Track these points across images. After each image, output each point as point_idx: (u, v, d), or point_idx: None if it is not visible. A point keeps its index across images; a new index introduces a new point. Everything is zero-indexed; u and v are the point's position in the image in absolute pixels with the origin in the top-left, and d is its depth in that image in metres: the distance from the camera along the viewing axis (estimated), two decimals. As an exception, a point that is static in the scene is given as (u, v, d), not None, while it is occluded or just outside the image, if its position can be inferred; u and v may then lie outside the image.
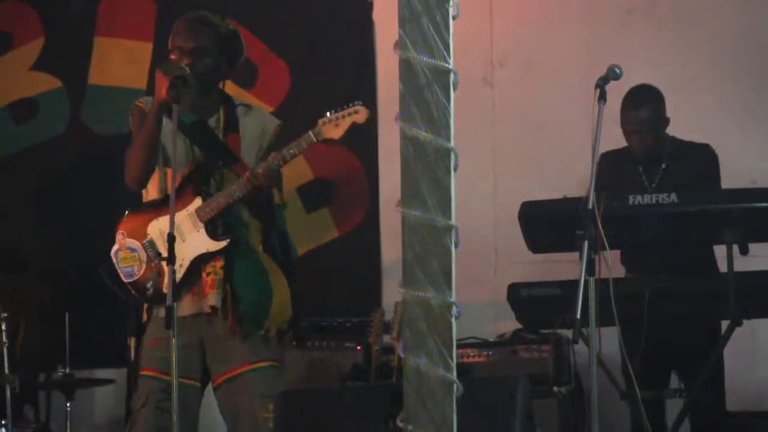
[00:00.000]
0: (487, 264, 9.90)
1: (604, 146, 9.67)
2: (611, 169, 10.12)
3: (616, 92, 9.84)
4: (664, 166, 10.41)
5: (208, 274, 9.20)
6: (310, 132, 9.03)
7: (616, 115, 10.29)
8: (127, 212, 9.34)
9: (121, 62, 12.13)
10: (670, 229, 9.95)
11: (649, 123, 10.41)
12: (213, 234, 9.17)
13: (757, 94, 11.44)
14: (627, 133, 10.34)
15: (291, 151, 9.04)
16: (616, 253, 10.01)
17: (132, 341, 9.92)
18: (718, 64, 11.55)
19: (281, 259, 9.50)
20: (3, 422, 9.96)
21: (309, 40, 12.03)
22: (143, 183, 9.28)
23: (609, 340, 9.20)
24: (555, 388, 9.61)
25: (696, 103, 11.21)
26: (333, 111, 9.07)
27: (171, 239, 8.64)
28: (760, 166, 10.77)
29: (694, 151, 10.47)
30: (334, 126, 9.13)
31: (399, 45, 5.78)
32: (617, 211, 9.34)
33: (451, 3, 5.95)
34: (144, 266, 9.14)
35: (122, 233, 9.32)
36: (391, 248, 10.97)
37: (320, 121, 9.14)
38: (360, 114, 9.04)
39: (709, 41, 11.79)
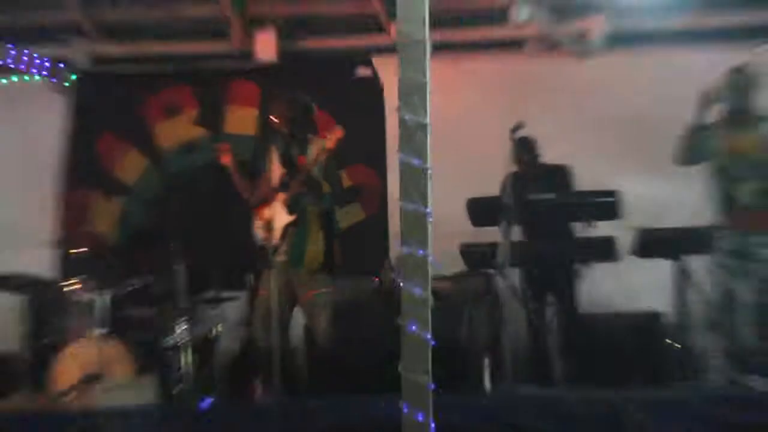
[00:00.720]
0: (448, 232, 8.97)
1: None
2: (515, 182, 10.51)
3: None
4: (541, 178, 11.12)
5: (289, 236, 10.06)
6: (322, 144, 9.98)
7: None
8: (258, 206, 10.21)
9: (239, 119, 12.82)
10: (549, 213, 10.71)
11: (529, 156, 11.38)
12: (290, 212, 10.10)
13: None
14: (517, 161, 11.13)
15: (312, 157, 10.01)
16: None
17: (252, 278, 10.58)
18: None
19: (328, 227, 10.27)
20: (180, 323, 10.53)
21: (348, 104, 12.40)
22: (248, 191, 10.25)
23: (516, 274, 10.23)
24: (485, 302, 10.29)
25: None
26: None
27: (271, 224, 9.92)
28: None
29: (559, 169, 11.26)
30: (329, 141, 9.94)
31: (399, 108, 7.60)
32: (522, 200, 10.14)
33: (427, 91, 7.74)
34: (264, 233, 10.09)
35: (256, 216, 10.24)
36: (394, 225, 10.96)
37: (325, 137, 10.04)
38: (337, 130, 9.92)
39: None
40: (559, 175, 11.23)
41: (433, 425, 7.39)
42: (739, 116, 9.75)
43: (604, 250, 10.66)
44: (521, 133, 10.41)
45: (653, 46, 12.59)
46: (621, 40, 12.73)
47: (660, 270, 10.69)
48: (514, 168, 10.66)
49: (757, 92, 9.78)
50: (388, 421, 7.60)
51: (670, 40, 12.54)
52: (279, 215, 10.07)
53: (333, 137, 9.92)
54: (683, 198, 10.45)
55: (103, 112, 13.15)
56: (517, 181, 10.49)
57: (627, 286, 11.42)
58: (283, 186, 10.15)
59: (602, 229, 10.72)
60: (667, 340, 10.42)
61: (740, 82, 9.76)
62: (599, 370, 9.79)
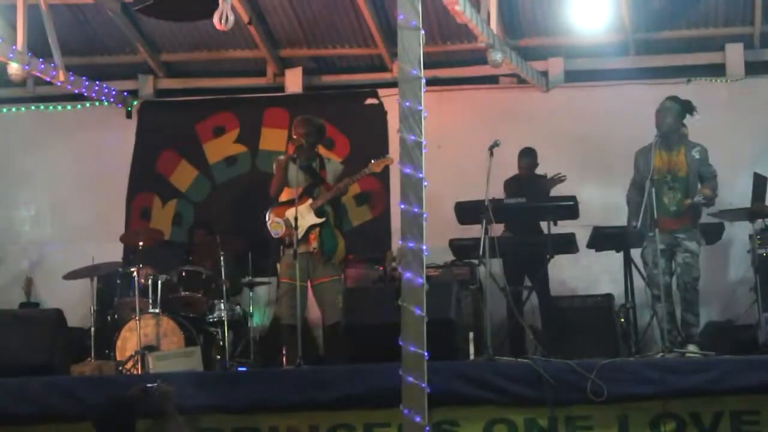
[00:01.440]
0: (440, 229, 9.51)
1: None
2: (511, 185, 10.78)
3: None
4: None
5: (312, 233, 9.86)
6: (366, 168, 9.93)
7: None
8: (272, 207, 10.03)
9: (272, 138, 12.55)
10: (520, 214, 10.49)
11: (529, 165, 11.18)
12: (317, 215, 9.88)
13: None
14: (519, 169, 11.09)
15: (355, 177, 10.03)
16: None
17: (278, 265, 10.20)
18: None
19: (341, 229, 10.20)
20: (221, 303, 10.49)
21: (358, 127, 12.43)
22: (278, 195, 10.02)
23: (496, 263, 9.81)
24: (470, 286, 10.08)
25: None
26: (375, 159, 9.94)
27: (296, 220, 9.53)
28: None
29: (542, 178, 11.12)
30: (377, 165, 9.90)
31: (399, 129, 7.36)
32: (498, 204, 9.77)
33: (423, 114, 7.46)
34: (284, 230, 9.85)
35: (272, 215, 9.99)
36: (395, 223, 11.01)
37: (371, 163, 9.93)
38: (389, 159, 9.88)
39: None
40: (542, 183, 11.14)
41: (427, 388, 7.24)
42: (671, 138, 9.50)
43: (566, 243, 10.46)
44: (524, 147, 10.86)
45: (601, 81, 12.33)
46: (575, 76, 12.49)
47: (611, 260, 10.55)
48: (509, 174, 10.75)
49: (683, 118, 9.61)
50: (391, 386, 7.48)
51: (615, 76, 12.29)
52: (304, 216, 9.72)
53: (381, 163, 9.93)
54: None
55: (163, 133, 12.91)
56: (514, 185, 10.74)
57: (585, 272, 11.30)
58: (306, 192, 9.87)
59: (563, 227, 10.51)
60: (619, 317, 10.16)
61: (672, 110, 9.50)
62: (564, 343, 9.56)
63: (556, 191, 10.88)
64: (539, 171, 11.22)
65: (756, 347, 9.61)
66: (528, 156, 11.10)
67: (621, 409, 8.20)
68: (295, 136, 9.98)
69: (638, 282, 10.05)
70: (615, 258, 10.40)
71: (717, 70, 12.12)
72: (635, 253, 10.02)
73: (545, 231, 10.39)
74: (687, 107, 9.58)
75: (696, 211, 9.50)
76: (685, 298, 9.39)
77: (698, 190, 9.40)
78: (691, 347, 9.14)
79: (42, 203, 12.60)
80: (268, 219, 10.03)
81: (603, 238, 10.34)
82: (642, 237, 9.52)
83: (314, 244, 9.86)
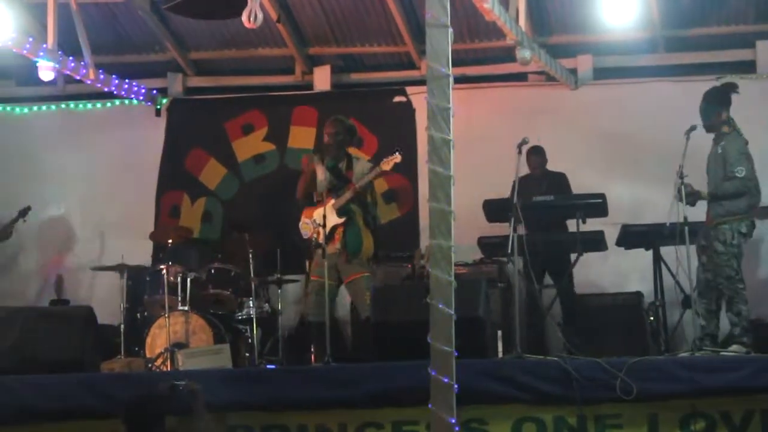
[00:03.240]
0: (468, 227, 9.49)
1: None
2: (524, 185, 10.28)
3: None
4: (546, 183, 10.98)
5: (336, 233, 9.91)
6: (377, 167, 9.96)
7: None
8: (305, 208, 10.11)
9: (301, 136, 12.54)
10: (548, 211, 10.51)
11: (539, 163, 11.14)
12: (339, 215, 9.92)
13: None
14: (530, 167, 11.01)
15: (369, 176, 9.99)
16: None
17: (307, 263, 10.43)
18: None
19: (371, 227, 10.14)
20: (250, 301, 10.54)
21: (386, 125, 12.42)
22: (303, 197, 10.14)
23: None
24: (498, 284, 10.13)
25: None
26: (385, 157, 9.97)
27: (324, 219, 9.63)
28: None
29: (558, 176, 11.14)
30: (386, 164, 9.88)
31: (428, 127, 7.35)
32: (527, 203, 9.77)
33: (451, 112, 7.47)
34: (312, 230, 9.90)
35: (303, 216, 10.08)
36: (424, 220, 10.95)
37: (382, 162, 9.96)
38: (397, 156, 9.85)
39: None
40: (559, 180, 11.13)
41: (456, 386, 7.16)
42: (710, 131, 9.44)
43: (595, 241, 10.43)
44: (533, 144, 10.41)
45: (630, 79, 12.27)
46: (604, 73, 12.45)
47: (640, 258, 10.50)
48: (525, 172, 10.52)
49: (718, 111, 9.42)
50: (419, 384, 7.42)
51: (644, 73, 12.26)
52: (329, 216, 9.78)
53: (391, 161, 9.87)
54: (658, 199, 10.05)
55: (192, 131, 12.94)
56: (526, 184, 10.36)
57: (614, 270, 11.21)
58: (332, 191, 9.96)
59: (592, 224, 10.46)
60: (648, 316, 10.13)
61: (702, 109, 9.40)
62: (593, 341, 9.48)
63: (581, 188, 10.88)
64: (560, 168, 11.23)
65: (786, 346, 9.64)
66: (537, 154, 11.06)
67: (650, 408, 8.17)
68: (326, 137, 10.09)
69: (668, 280, 10.04)
70: (644, 256, 10.37)
71: (748, 67, 12.07)
72: (664, 251, 10.02)
73: (569, 229, 10.46)
74: (724, 91, 9.51)
75: (715, 210, 9.31)
76: (724, 298, 9.27)
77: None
78: (734, 347, 9.05)
79: (72, 201, 12.63)
80: (300, 221, 10.12)
81: (632, 236, 10.37)
82: (672, 234, 9.32)
83: (338, 244, 9.91)
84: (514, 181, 9.43)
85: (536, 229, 10.38)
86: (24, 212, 11.79)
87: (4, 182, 12.52)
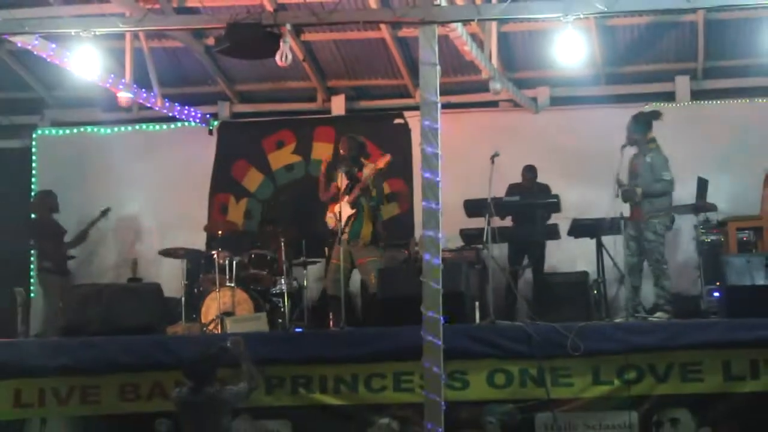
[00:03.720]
0: (452, 221, 9.24)
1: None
2: (514, 190, 10.60)
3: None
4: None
5: (349, 223, 9.76)
6: (374, 164, 9.84)
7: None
8: (330, 203, 9.96)
9: (321, 150, 12.43)
10: (516, 209, 10.44)
11: (532, 177, 11.00)
12: (351, 208, 9.80)
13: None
14: (523, 180, 10.93)
15: (368, 173, 9.79)
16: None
17: (326, 249, 10.46)
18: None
19: (373, 218, 9.97)
20: (282, 279, 10.41)
21: (388, 141, 12.19)
22: (325, 199, 9.98)
23: (496, 248, 9.70)
24: (476, 266, 10.03)
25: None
26: (379, 158, 9.96)
27: (340, 213, 9.63)
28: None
29: (544, 186, 10.97)
30: (380, 161, 9.78)
31: (421, 143, 7.36)
32: (497, 202, 9.70)
33: (439, 131, 7.44)
34: (334, 221, 9.81)
35: (328, 211, 9.99)
36: (418, 217, 10.48)
37: (377, 160, 9.91)
38: (387, 156, 9.81)
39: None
40: (544, 189, 10.98)
41: (442, 345, 7.36)
42: (639, 146, 9.43)
43: (551, 232, 10.44)
44: (528, 164, 10.77)
45: (579, 105, 12.28)
46: (559, 101, 12.46)
47: (586, 245, 10.33)
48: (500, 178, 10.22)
49: (646, 129, 9.43)
50: (414, 344, 7.53)
51: (590, 101, 12.28)
52: (345, 210, 9.73)
53: (384, 160, 9.76)
54: (600, 199, 9.80)
55: (236, 146, 12.82)
56: (518, 190, 10.60)
57: (566, 255, 11.04)
58: (347, 191, 9.84)
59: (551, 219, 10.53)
60: (592, 290, 10.13)
61: (630, 127, 9.39)
62: (549, 310, 9.39)
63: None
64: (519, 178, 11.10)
65: (698, 313, 9.72)
66: (530, 172, 10.93)
67: (594, 362, 8.23)
68: (341, 151, 10.00)
69: (607, 262, 9.98)
70: (589, 243, 10.25)
71: (669, 97, 12.12)
72: (605, 239, 9.93)
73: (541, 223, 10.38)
74: (651, 116, 9.44)
75: (646, 207, 9.24)
76: (653, 275, 9.27)
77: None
78: (659, 314, 9.05)
79: (143, 202, 12.57)
80: (327, 214, 10.03)
81: (580, 228, 10.25)
82: (611, 226, 9.37)
83: (347, 231, 9.78)
84: (508, 186, 9.87)
85: (519, 222, 10.43)
86: (105, 212, 11.73)
87: (90, 188, 12.47)
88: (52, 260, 10.86)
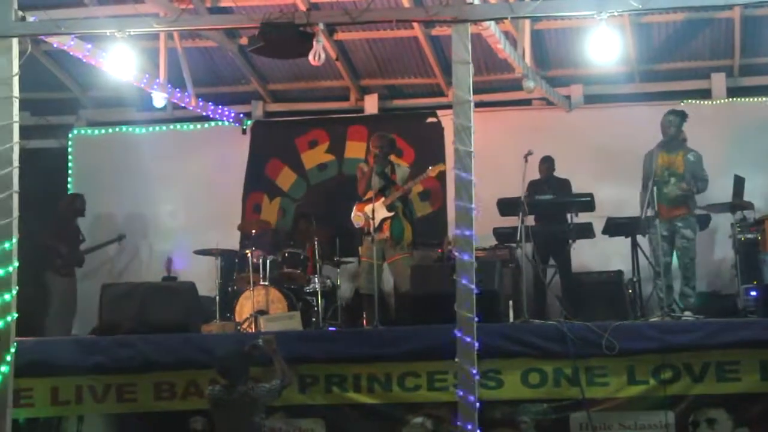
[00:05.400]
0: (485, 220, 9.42)
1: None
2: (534, 186, 10.40)
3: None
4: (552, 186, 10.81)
5: (385, 224, 9.89)
6: (424, 173, 9.97)
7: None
8: (356, 204, 10.11)
9: (354, 149, 12.46)
10: (549, 208, 10.39)
11: (548, 169, 10.96)
12: (388, 210, 9.93)
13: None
14: (540, 172, 10.83)
15: (417, 179, 10.07)
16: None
17: (359, 248, 10.31)
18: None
19: (409, 219, 10.15)
20: (315, 277, 10.43)
21: (421, 140, 12.26)
22: (365, 194, 9.95)
23: (529, 246, 9.63)
24: (509, 265, 9.93)
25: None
26: (432, 165, 9.96)
27: (373, 212, 9.72)
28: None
29: (562, 181, 10.97)
30: (433, 171, 9.90)
31: (454, 142, 7.33)
32: (531, 201, 9.76)
33: (472, 129, 7.43)
34: (363, 221, 9.90)
35: (356, 209, 10.08)
36: (451, 215, 9.78)
37: (429, 168, 9.93)
38: (442, 165, 9.89)
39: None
40: (563, 184, 10.96)
41: (477, 344, 7.25)
42: (672, 143, 9.44)
43: (585, 230, 10.36)
44: (544, 154, 10.61)
45: (613, 103, 12.18)
46: (593, 99, 12.36)
47: (621, 243, 10.34)
48: (534, 177, 10.35)
49: (682, 127, 9.52)
50: (448, 342, 7.43)
51: (623, 99, 12.20)
52: (378, 211, 9.75)
53: (436, 169, 9.78)
54: (634, 197, 9.84)
55: (270, 145, 12.82)
56: (537, 186, 10.45)
57: (600, 253, 11.02)
58: (381, 191, 9.88)
59: (584, 217, 10.40)
60: (627, 289, 10.02)
61: (674, 121, 9.45)
62: (584, 309, 9.35)
63: (576, 190, 10.77)
64: (562, 174, 11.06)
65: (736, 312, 9.61)
66: (547, 162, 10.85)
67: (629, 361, 8.18)
68: (373, 149, 10.00)
69: (642, 261, 9.94)
70: (624, 242, 10.23)
71: (704, 94, 12.01)
72: (640, 238, 9.94)
73: (569, 221, 10.31)
74: (684, 116, 9.51)
75: (689, 203, 9.32)
76: (684, 275, 9.29)
77: (679, 185, 9.31)
78: (687, 314, 9.04)
79: (178, 200, 12.59)
80: (353, 214, 10.06)
81: (614, 226, 10.19)
82: (647, 225, 9.38)
83: (386, 233, 9.84)
84: (528, 183, 9.48)
85: (543, 221, 10.36)
86: (120, 238, 11.83)
87: (126, 187, 12.54)
88: (64, 262, 11.02)
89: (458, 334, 7.29)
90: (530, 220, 10.04)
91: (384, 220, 9.82)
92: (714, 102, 11.91)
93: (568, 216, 10.27)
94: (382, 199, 9.89)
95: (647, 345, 8.17)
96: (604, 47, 8.03)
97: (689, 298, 9.21)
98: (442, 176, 10.97)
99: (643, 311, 9.73)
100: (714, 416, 8.10)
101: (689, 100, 11.43)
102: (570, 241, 10.24)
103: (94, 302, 9.45)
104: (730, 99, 11.95)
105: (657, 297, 9.38)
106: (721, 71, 12.08)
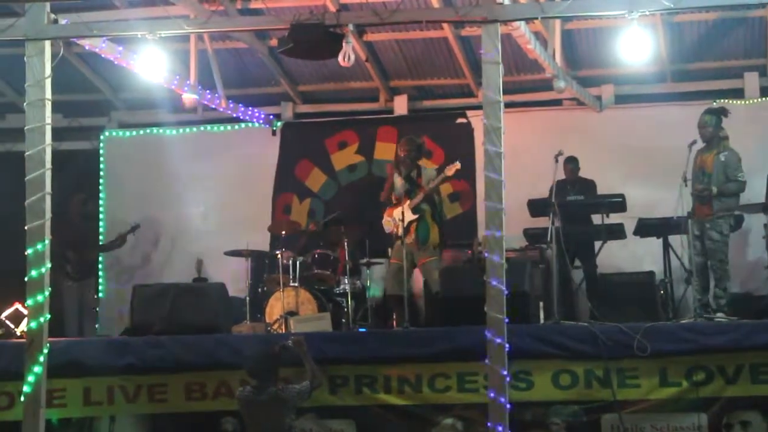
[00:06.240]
0: (515, 221, 9.44)
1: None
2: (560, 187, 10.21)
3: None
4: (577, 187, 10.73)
5: (412, 227, 9.82)
6: (442, 175, 9.89)
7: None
8: (386, 209, 10.02)
9: (384, 150, 12.42)
10: (579, 208, 10.38)
11: (573, 170, 10.87)
12: (413, 213, 9.86)
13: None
14: (565, 173, 10.71)
15: (436, 181, 9.89)
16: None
17: (389, 250, 10.35)
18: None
19: (438, 221, 10.03)
20: (345, 279, 10.37)
21: (450, 141, 12.23)
22: (387, 200, 10.00)
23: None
24: (540, 265, 9.88)
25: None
26: (448, 165, 9.89)
27: (401, 218, 9.73)
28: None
29: (588, 181, 10.89)
30: (449, 171, 9.78)
31: (484, 142, 7.31)
32: (562, 201, 9.76)
33: (502, 130, 7.41)
34: (393, 225, 9.88)
35: (385, 215, 10.05)
36: (481, 216, 9.99)
37: (444, 169, 9.88)
38: (457, 164, 9.73)
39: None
40: (588, 184, 10.88)
41: (507, 346, 7.22)
42: (711, 142, 9.36)
43: (616, 231, 10.29)
44: (569, 154, 10.41)
45: (644, 104, 12.13)
46: (624, 99, 12.29)
47: (652, 244, 10.29)
48: (561, 177, 10.21)
49: (720, 124, 9.38)
50: (478, 344, 7.43)
51: (655, 99, 12.15)
52: (406, 214, 9.75)
53: (453, 168, 9.69)
54: (666, 197, 9.78)
55: (300, 146, 12.83)
56: (563, 186, 10.30)
57: (632, 254, 10.95)
58: (407, 193, 9.87)
59: (615, 218, 10.36)
60: (659, 290, 9.96)
61: (710, 122, 9.34)
62: (615, 310, 9.24)
63: (607, 190, 10.69)
64: (591, 175, 10.98)
65: (769, 313, 9.56)
66: (571, 162, 10.75)
67: (661, 363, 8.19)
68: (400, 152, 9.98)
69: (674, 262, 9.89)
70: (656, 243, 10.16)
71: (737, 94, 11.91)
72: (671, 239, 9.89)
73: (594, 222, 10.30)
74: (721, 112, 9.37)
75: (716, 205, 9.22)
76: (714, 277, 9.20)
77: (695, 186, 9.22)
78: (720, 315, 8.97)
79: (208, 202, 12.62)
80: (383, 219, 10.05)
81: (646, 227, 10.13)
82: (677, 225, 9.35)
83: (413, 235, 9.81)
84: (552, 185, 9.38)
85: (569, 222, 10.18)
86: (134, 228, 11.74)
87: (157, 188, 12.60)
88: (74, 267, 11.00)
89: (488, 335, 7.29)
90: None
91: (411, 222, 9.83)
92: (747, 102, 11.82)
93: (600, 217, 10.27)
94: (408, 202, 9.91)
95: (680, 346, 8.13)
96: (636, 47, 8.01)
97: (721, 299, 9.14)
98: (471, 177, 10.94)
99: (675, 312, 9.68)
100: (748, 419, 8.06)
101: (722, 100, 11.30)
102: (596, 242, 10.24)
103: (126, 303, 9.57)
104: (764, 98, 11.87)
105: (694, 297, 9.34)
106: (754, 70, 12.00)
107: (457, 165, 9.73)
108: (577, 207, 10.25)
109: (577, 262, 10.50)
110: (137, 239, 12.04)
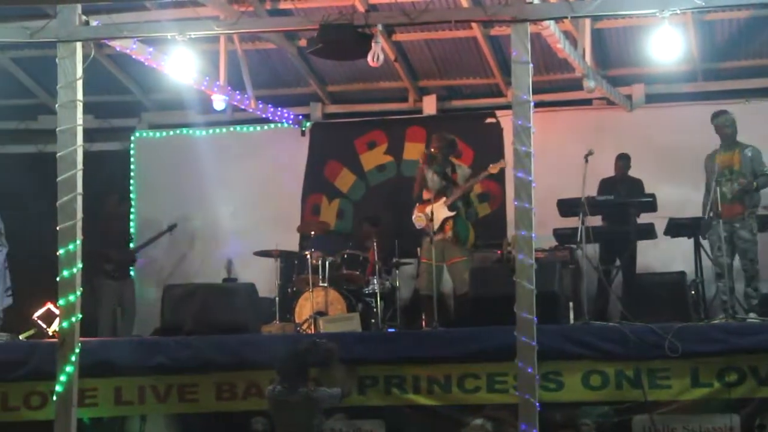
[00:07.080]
0: (545, 220, 9.48)
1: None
2: (606, 184, 10.47)
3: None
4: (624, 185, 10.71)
5: (447, 224, 9.91)
6: (485, 171, 10.01)
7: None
8: (416, 205, 10.12)
9: (413, 150, 12.29)
10: (610, 208, 10.34)
11: (623, 167, 10.85)
12: (449, 210, 9.95)
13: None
14: (616, 169, 10.78)
15: (478, 177, 10.11)
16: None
17: (418, 249, 10.35)
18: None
19: (472, 220, 10.20)
20: (374, 279, 10.33)
21: (480, 141, 12.18)
22: (419, 197, 10.13)
23: (590, 248, 9.68)
24: (570, 266, 9.81)
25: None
26: (493, 162, 9.99)
27: (432, 213, 9.79)
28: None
29: (636, 181, 10.82)
30: (494, 168, 9.92)
31: (513, 142, 7.31)
32: (591, 201, 9.71)
33: (532, 130, 7.40)
34: (425, 222, 9.89)
35: (416, 211, 10.15)
36: (510, 216, 9.96)
37: (490, 166, 9.95)
38: (503, 162, 9.90)
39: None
40: (636, 184, 10.80)
41: (537, 346, 7.25)
42: (727, 141, 9.42)
43: (647, 231, 10.30)
44: (621, 152, 10.68)
45: (675, 103, 12.08)
46: (654, 98, 12.24)
47: (683, 244, 10.25)
48: (595, 176, 10.19)
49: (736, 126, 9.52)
50: (508, 344, 7.48)
51: (686, 98, 12.09)
52: (439, 211, 9.75)
53: (498, 166, 9.81)
54: (697, 197, 9.85)
55: (329, 147, 12.85)
56: (610, 184, 10.46)
57: (662, 254, 10.89)
58: (441, 192, 9.89)
59: (646, 218, 10.41)
60: (690, 290, 9.89)
61: (728, 120, 9.49)
62: (645, 311, 9.17)
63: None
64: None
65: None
66: (623, 159, 10.77)
67: (693, 363, 8.15)
68: (432, 149, 10.02)
69: (705, 262, 9.88)
70: (687, 243, 10.13)
71: (768, 93, 12.12)
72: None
73: (635, 221, 10.26)
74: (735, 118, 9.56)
75: (748, 202, 9.23)
76: (745, 276, 9.21)
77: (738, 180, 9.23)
78: (752, 315, 8.95)
79: (238, 202, 12.62)
80: (413, 215, 10.05)
81: (677, 227, 10.09)
82: (708, 226, 9.36)
83: (449, 233, 9.81)
84: (600, 180, 9.70)
85: (610, 221, 10.30)
86: (171, 228, 11.87)
87: (187, 188, 12.63)
88: (115, 266, 11.11)
89: (518, 336, 7.28)
90: (597, 221, 10.02)
91: (446, 220, 9.82)
92: (780, 100, 11.83)
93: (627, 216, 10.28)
94: (443, 199, 9.89)
95: (711, 347, 8.12)
96: (666, 46, 7.98)
97: (752, 299, 9.13)
98: (501, 177, 10.92)
99: (707, 313, 9.66)
100: (781, 420, 8.03)
101: (753, 99, 11.32)
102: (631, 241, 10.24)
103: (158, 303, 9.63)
104: (798, 97, 11.94)
105: (720, 299, 9.35)
106: (787, 69, 12.08)
107: (503, 163, 9.78)
108: (606, 207, 10.20)
109: (618, 262, 10.49)
110: (168, 239, 12.13)
